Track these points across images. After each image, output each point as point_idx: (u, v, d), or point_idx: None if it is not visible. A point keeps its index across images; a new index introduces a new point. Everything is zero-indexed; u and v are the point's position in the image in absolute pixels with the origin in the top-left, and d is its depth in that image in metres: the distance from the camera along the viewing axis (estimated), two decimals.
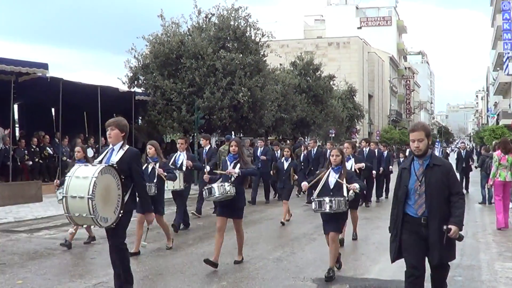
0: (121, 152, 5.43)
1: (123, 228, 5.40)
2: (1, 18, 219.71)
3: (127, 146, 5.50)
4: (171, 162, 9.94)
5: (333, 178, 6.85)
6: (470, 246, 8.96)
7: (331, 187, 6.81)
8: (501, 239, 9.80)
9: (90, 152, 18.08)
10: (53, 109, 20.35)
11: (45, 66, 14.77)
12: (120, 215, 5.22)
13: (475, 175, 21.83)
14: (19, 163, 16.11)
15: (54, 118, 20.03)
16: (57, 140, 17.76)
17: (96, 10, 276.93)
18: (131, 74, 21.96)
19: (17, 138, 17.79)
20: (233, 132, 24.77)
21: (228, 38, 22.23)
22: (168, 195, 9.59)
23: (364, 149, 14.57)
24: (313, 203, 6.72)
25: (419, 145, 4.74)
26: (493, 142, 20.07)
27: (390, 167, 17.10)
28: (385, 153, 16.89)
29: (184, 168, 10.03)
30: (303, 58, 32.35)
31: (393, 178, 8.36)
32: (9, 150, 15.44)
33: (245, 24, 22.51)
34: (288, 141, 27.51)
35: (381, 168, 15.72)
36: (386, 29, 77.87)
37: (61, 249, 8.35)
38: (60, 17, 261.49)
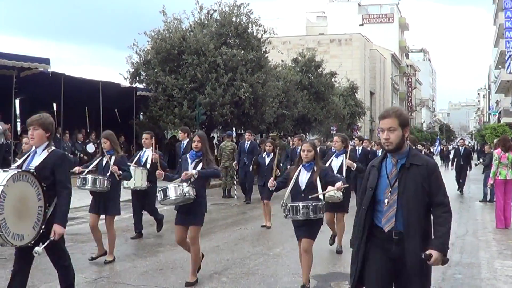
0: (44, 155, 4.64)
1: (60, 247, 4.77)
2: (3, 12, 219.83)
3: (52, 148, 4.74)
4: (134, 160, 9.05)
5: (304, 177, 5.93)
6: (470, 244, 9.01)
7: (302, 187, 5.88)
8: (501, 237, 9.83)
9: (91, 148, 18.15)
10: (54, 104, 20.33)
11: (46, 61, 14.81)
12: (41, 231, 4.43)
13: (475, 173, 21.90)
14: None
15: (55, 113, 20.04)
16: (58, 135, 17.77)
17: (99, 5, 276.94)
18: (133, 70, 21.98)
19: (19, 133, 17.81)
20: (234, 129, 24.82)
21: (230, 34, 22.23)
22: (127, 196, 9.10)
23: (357, 147, 13.97)
24: (284, 208, 5.76)
25: (389, 136, 3.51)
26: (494, 141, 20.04)
27: None
28: (379, 152, 16.42)
29: (148, 166, 8.91)
30: (305, 55, 32.41)
31: None
32: (11, 144, 15.47)
33: (247, 21, 22.52)
34: (289, 138, 27.52)
35: None
36: (388, 26, 77.83)
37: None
38: (62, 12, 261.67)
